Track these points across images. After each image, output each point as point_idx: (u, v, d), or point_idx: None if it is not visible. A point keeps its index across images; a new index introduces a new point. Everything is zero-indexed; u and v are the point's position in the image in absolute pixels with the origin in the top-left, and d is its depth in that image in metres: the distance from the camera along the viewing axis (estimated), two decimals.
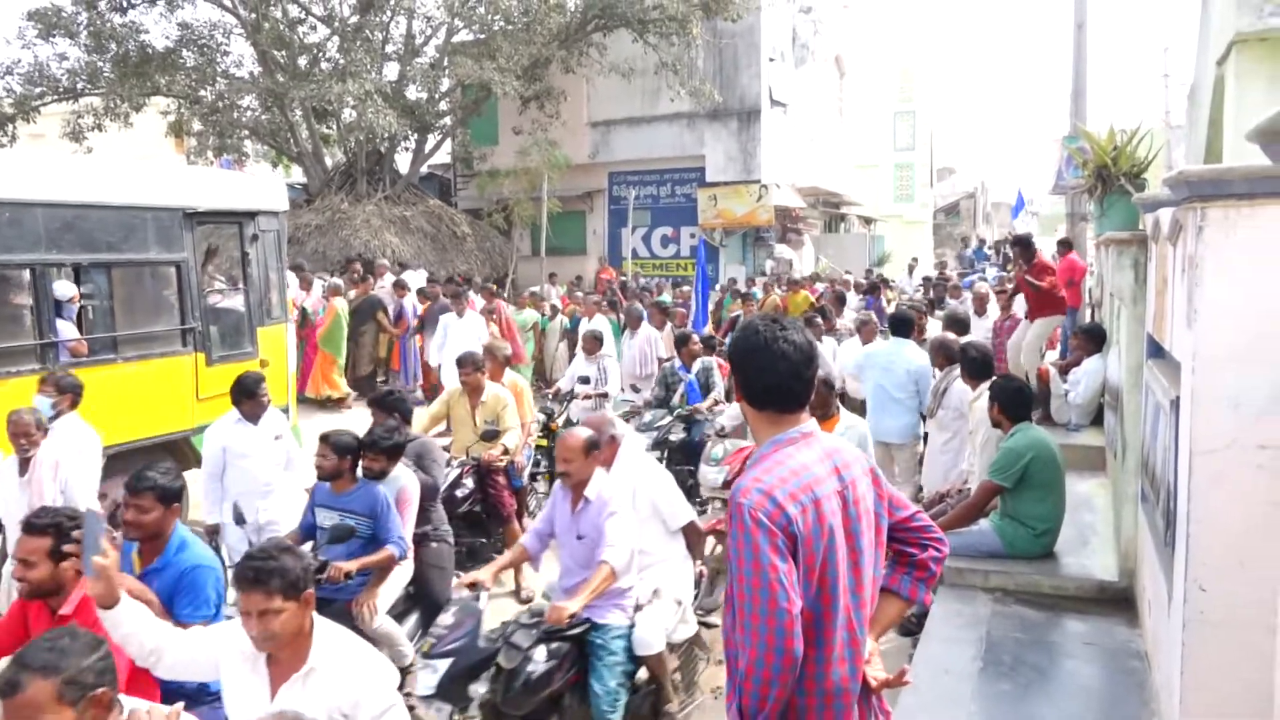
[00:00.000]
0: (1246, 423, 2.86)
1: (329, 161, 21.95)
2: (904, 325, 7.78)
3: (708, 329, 13.34)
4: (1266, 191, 2.76)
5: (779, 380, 2.31)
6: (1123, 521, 5.16)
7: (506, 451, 6.74)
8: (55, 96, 19.25)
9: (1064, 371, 8.41)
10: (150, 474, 3.77)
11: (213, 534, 5.76)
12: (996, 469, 5.19)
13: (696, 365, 8.94)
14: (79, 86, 19.19)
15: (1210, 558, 2.95)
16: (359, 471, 4.87)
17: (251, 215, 7.97)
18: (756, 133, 22.11)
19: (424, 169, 23.47)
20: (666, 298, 15.41)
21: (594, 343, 9.29)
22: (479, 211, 22.85)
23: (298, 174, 23.19)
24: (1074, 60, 14.49)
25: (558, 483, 4.60)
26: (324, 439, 4.85)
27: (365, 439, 4.91)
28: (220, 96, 19.69)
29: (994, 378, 5.98)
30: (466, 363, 6.73)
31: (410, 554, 4.96)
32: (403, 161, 22.40)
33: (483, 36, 20.25)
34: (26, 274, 6.31)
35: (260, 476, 5.73)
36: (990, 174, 44.64)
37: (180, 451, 7.22)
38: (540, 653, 4.12)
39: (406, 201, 20.86)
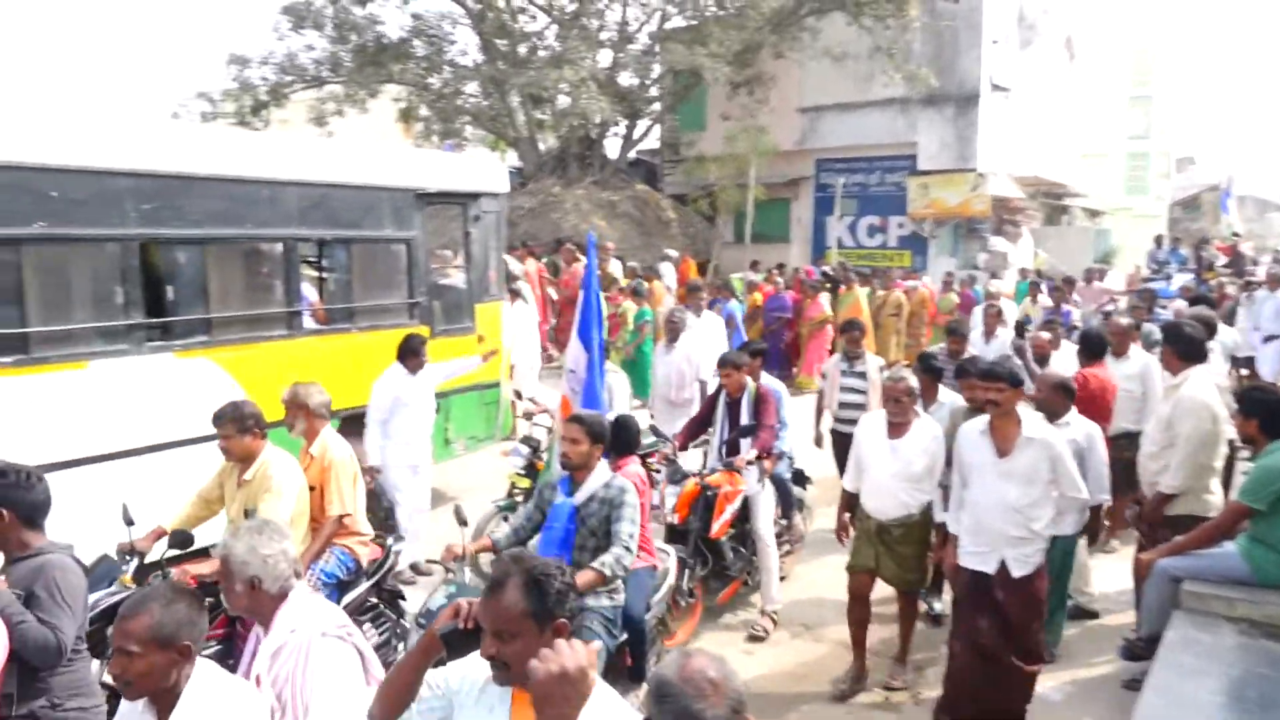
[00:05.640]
0: None
1: (542, 146, 22.74)
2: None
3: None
4: None
5: None
6: None
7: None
8: (303, 84, 20.96)
9: None
10: None
11: (373, 474, 6.51)
12: (1248, 490, 4.71)
13: (597, 481, 4.46)
14: (323, 75, 20.80)
15: None
16: None
17: (475, 196, 8.34)
18: (974, 119, 21.09)
19: (632, 154, 23.91)
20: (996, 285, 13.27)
21: None
22: (684, 197, 23.03)
23: (512, 158, 24.15)
24: None
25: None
26: None
27: None
28: (446, 84, 20.79)
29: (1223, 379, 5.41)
30: (225, 421, 4.53)
31: None
32: (612, 147, 22.91)
33: (695, 22, 20.36)
34: (279, 247, 6.88)
35: (418, 422, 6.68)
36: (1238, 165, 40.75)
37: None
38: None
39: (614, 186, 21.33)
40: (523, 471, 6.78)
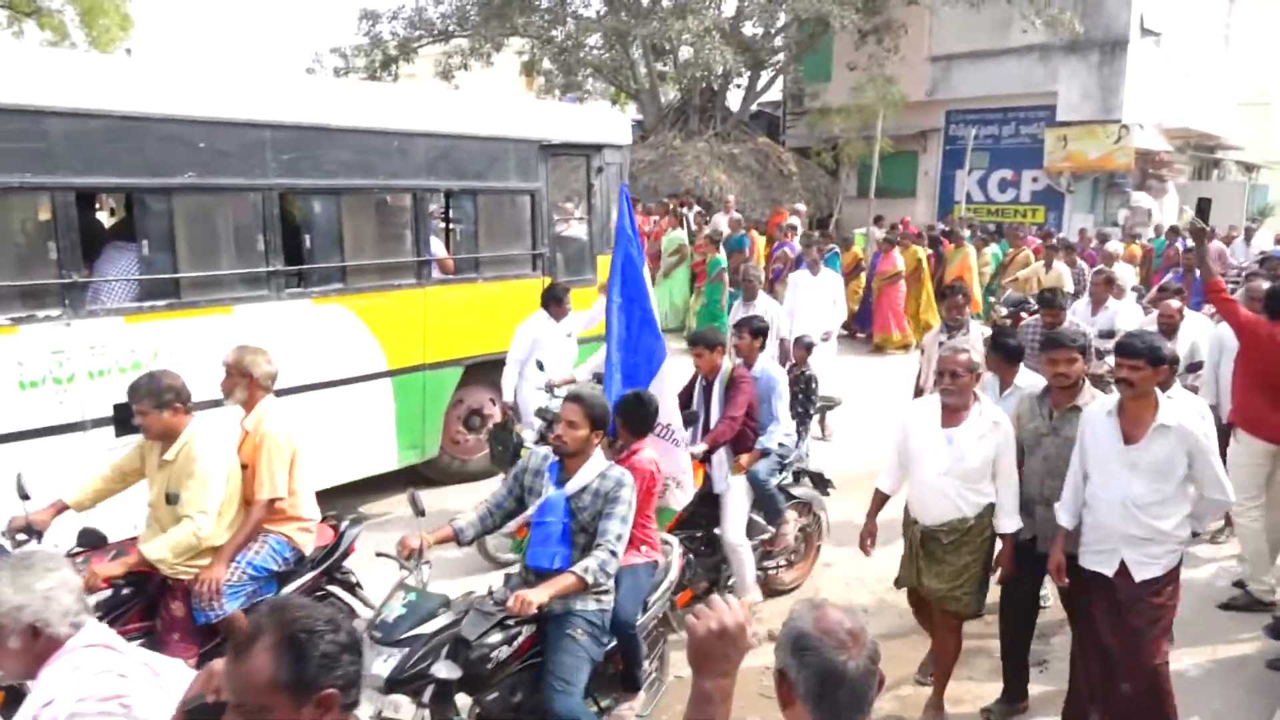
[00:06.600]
0: None
1: (663, 99, 22.58)
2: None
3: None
4: None
5: None
6: None
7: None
8: (430, 39, 21.32)
9: None
10: None
11: (508, 410, 6.80)
12: None
13: (592, 471, 3.93)
14: (450, 29, 21.11)
15: None
16: None
17: (598, 148, 8.33)
18: (1120, 66, 19.86)
19: (754, 107, 23.49)
20: (1115, 246, 12.39)
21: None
22: (806, 150, 22.54)
23: (633, 111, 24.06)
24: None
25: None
26: None
27: None
28: (569, 36, 20.80)
29: None
30: (141, 394, 4.00)
31: None
32: (733, 99, 22.56)
33: None
34: (409, 198, 7.04)
35: (555, 365, 6.80)
36: None
37: None
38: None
39: (735, 139, 21.04)
40: (533, 447, 6.44)
